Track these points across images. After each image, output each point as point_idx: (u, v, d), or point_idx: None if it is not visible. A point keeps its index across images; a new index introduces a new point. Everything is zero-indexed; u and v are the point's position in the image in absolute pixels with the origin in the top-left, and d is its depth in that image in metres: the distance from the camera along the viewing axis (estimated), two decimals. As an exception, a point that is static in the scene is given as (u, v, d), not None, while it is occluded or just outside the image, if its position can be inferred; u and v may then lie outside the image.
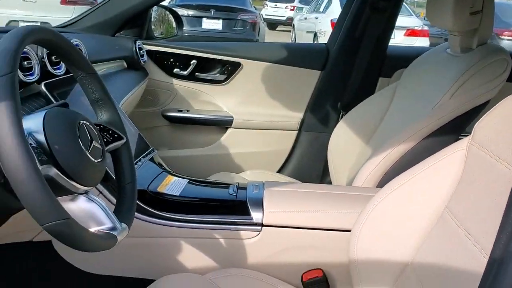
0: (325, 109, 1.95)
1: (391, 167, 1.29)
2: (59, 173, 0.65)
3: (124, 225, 0.76)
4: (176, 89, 1.97)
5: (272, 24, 14.51)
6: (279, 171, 2.03)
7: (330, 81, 1.93)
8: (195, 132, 2.02)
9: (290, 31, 12.65)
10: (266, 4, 14.93)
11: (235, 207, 1.13)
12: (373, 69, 1.88)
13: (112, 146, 0.84)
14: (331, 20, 7.86)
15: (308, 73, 1.94)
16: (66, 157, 0.66)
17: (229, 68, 1.95)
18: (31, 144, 0.64)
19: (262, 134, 1.99)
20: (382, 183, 1.26)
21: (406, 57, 1.68)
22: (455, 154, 0.85)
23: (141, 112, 1.95)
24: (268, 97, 1.98)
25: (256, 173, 1.78)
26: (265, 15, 13.92)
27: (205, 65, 1.96)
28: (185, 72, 1.95)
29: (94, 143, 0.73)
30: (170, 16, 2.24)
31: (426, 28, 8.16)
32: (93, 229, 0.71)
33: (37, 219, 0.58)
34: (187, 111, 1.98)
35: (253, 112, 1.98)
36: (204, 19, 6.97)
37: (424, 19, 8.78)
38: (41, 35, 0.69)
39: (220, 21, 7.05)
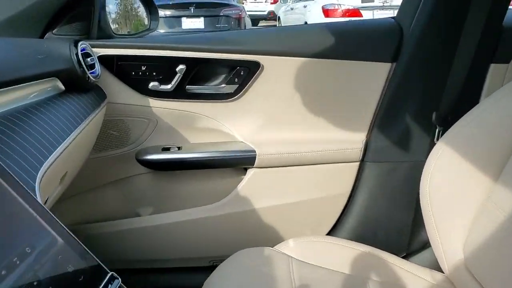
0: (406, 124, 1.19)
1: None
2: None
3: None
4: (156, 115, 1.20)
5: (253, 20, 13.99)
6: (332, 231, 1.27)
7: (410, 79, 1.16)
8: (194, 180, 1.26)
9: (275, 26, 12.02)
10: (246, 0, 14.34)
11: None
12: (483, 52, 1.12)
13: None
14: (323, 7, 7.22)
15: (371, 68, 1.18)
16: None
17: (241, 73, 1.17)
18: None
19: (303, 174, 1.23)
20: None
21: None
22: None
23: (101, 159, 1.19)
24: (308, 114, 1.21)
25: (303, 243, 1.03)
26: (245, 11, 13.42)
27: (200, 71, 1.18)
28: (169, 86, 1.17)
29: None
30: (140, 7, 1.52)
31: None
32: None
33: None
34: (178, 148, 1.21)
35: (285, 140, 1.22)
36: (183, 19, 6.26)
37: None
38: None
39: (202, 19, 6.33)
